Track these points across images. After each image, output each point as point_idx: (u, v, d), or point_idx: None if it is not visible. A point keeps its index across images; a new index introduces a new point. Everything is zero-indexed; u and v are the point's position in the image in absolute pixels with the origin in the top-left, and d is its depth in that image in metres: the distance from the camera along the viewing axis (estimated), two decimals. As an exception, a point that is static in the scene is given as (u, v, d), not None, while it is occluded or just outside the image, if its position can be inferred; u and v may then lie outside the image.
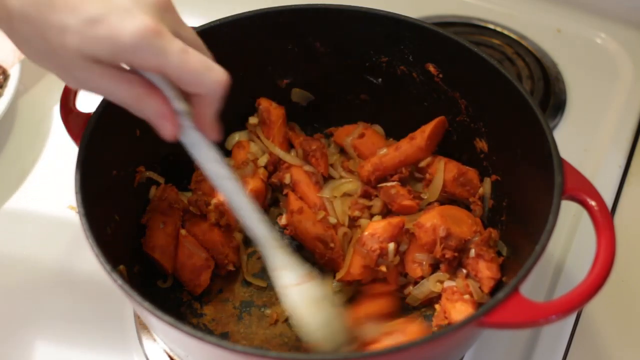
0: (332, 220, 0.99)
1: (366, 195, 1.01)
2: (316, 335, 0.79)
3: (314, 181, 1.02)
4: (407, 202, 0.97)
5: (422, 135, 0.99)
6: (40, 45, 0.65)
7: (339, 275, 0.95)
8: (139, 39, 0.62)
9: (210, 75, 0.67)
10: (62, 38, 0.63)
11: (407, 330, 0.82)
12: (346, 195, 1.03)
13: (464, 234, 0.91)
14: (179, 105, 0.70)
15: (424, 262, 0.93)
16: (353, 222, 1.00)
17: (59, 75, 0.68)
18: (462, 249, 0.91)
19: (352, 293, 0.96)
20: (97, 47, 0.63)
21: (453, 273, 0.93)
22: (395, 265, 0.94)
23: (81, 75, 0.65)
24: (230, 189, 0.77)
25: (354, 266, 0.93)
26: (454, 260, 0.92)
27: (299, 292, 0.79)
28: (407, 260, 0.94)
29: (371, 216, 1.00)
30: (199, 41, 0.71)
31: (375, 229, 0.93)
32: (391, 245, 0.92)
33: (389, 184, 0.99)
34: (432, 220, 0.91)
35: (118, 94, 0.67)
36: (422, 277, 0.93)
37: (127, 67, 0.67)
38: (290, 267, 0.80)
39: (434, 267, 0.94)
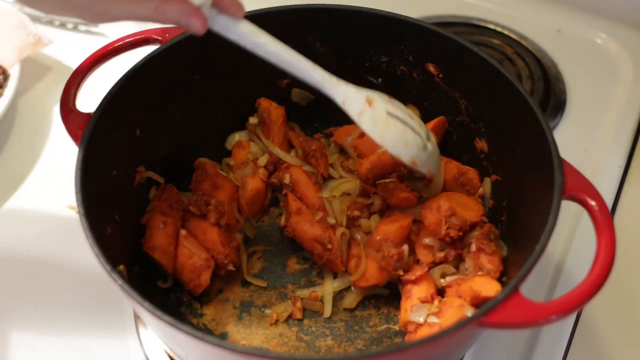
0: (331, 220, 0.99)
1: (365, 193, 1.01)
2: (397, 149, 0.85)
3: (314, 181, 1.02)
4: (405, 194, 0.97)
5: None
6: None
7: (354, 277, 0.95)
8: None
9: None
10: None
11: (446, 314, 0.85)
12: (345, 194, 1.03)
13: (469, 217, 0.92)
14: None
15: (434, 247, 0.94)
16: (353, 222, 1.00)
17: (79, 17, 0.72)
18: (466, 231, 0.92)
19: (368, 293, 0.96)
20: None
21: (456, 267, 0.94)
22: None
23: (99, 8, 0.70)
24: (275, 50, 0.81)
25: (370, 271, 0.93)
26: (458, 243, 0.93)
27: (369, 116, 0.85)
28: (418, 246, 0.95)
29: (370, 215, 1.00)
30: None
31: (387, 233, 0.93)
32: (406, 248, 0.93)
33: (387, 180, 1.00)
34: (438, 201, 0.93)
35: (139, 12, 0.71)
36: (434, 263, 0.94)
37: None
38: (353, 96, 0.85)
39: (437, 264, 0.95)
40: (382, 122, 0.85)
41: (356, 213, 0.99)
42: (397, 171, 1.00)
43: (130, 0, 0.70)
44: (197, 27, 0.74)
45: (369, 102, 0.85)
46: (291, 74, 0.83)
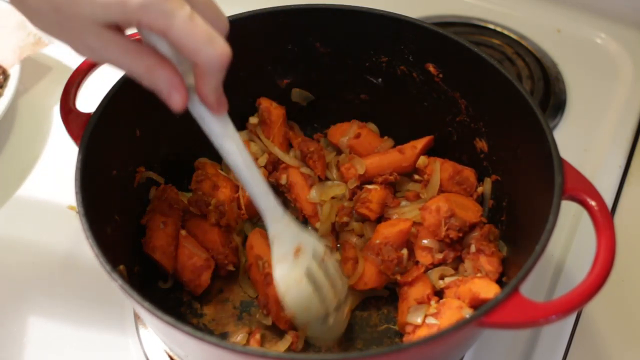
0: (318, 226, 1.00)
1: (353, 197, 1.01)
2: (295, 310, 0.82)
3: (310, 184, 1.02)
4: (363, 211, 0.97)
5: (414, 151, 1.01)
6: (52, 17, 0.66)
7: (352, 281, 0.94)
8: (148, 1, 0.63)
9: (210, 47, 0.65)
10: (74, 8, 0.64)
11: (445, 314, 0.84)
12: (335, 199, 1.02)
13: (468, 217, 0.92)
14: (190, 79, 0.71)
15: (433, 248, 0.94)
16: (343, 227, 1.00)
17: (71, 45, 0.68)
18: (466, 232, 0.92)
19: (368, 295, 0.96)
20: (108, 12, 0.64)
21: (455, 268, 0.94)
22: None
23: (94, 43, 0.66)
24: (238, 162, 0.77)
25: (368, 275, 0.93)
26: (457, 245, 0.93)
27: (286, 267, 0.82)
28: (417, 248, 0.95)
29: (358, 219, 1.00)
30: (214, 7, 0.69)
31: (387, 237, 0.93)
32: (405, 252, 0.93)
33: (370, 186, 1.00)
34: (437, 203, 0.93)
35: (130, 64, 0.67)
36: (432, 264, 0.94)
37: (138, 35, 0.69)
38: (286, 238, 0.82)
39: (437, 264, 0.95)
40: (295, 279, 0.81)
41: (345, 219, 0.99)
42: (385, 175, 1.00)
43: (126, 50, 0.66)
44: (176, 103, 0.69)
45: (297, 251, 0.82)
46: (245, 188, 0.80)
